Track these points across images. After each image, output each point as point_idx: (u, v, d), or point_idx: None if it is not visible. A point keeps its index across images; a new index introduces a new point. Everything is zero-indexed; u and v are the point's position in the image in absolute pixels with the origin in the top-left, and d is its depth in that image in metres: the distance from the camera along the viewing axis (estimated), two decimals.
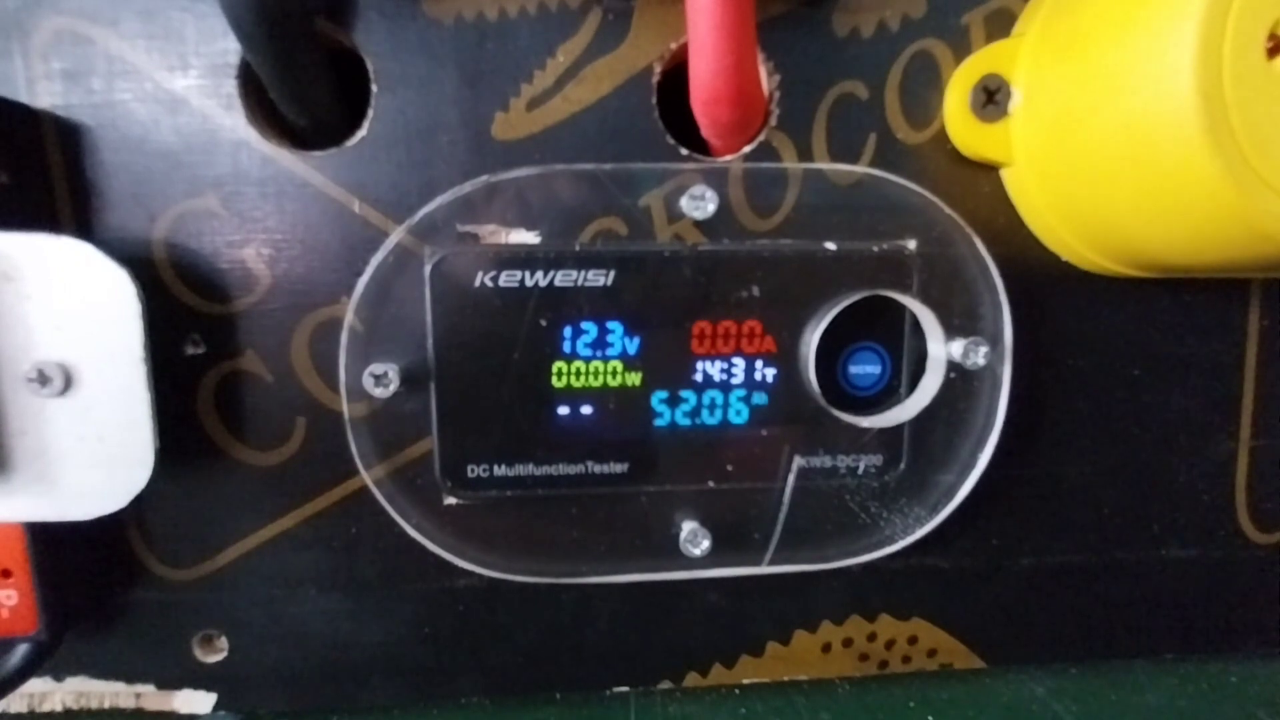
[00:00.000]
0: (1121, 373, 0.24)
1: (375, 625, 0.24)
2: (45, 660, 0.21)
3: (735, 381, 0.22)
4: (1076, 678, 0.27)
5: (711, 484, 0.23)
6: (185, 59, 0.20)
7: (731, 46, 0.18)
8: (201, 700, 0.24)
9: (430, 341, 0.21)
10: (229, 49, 0.20)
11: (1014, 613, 0.26)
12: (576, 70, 0.21)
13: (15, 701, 0.23)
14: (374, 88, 0.21)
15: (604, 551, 0.23)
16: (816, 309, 0.22)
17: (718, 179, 0.22)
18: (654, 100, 0.22)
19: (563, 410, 0.22)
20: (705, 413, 0.22)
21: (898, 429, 0.23)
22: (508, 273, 0.21)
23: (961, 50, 0.22)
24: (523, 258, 0.21)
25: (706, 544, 0.23)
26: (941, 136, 0.22)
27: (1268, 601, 0.27)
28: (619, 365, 0.22)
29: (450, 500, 0.22)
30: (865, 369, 0.23)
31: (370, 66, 0.21)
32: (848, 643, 0.25)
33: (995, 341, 0.22)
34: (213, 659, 0.23)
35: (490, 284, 0.21)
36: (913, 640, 0.26)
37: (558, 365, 0.22)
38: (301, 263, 0.21)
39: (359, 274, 0.21)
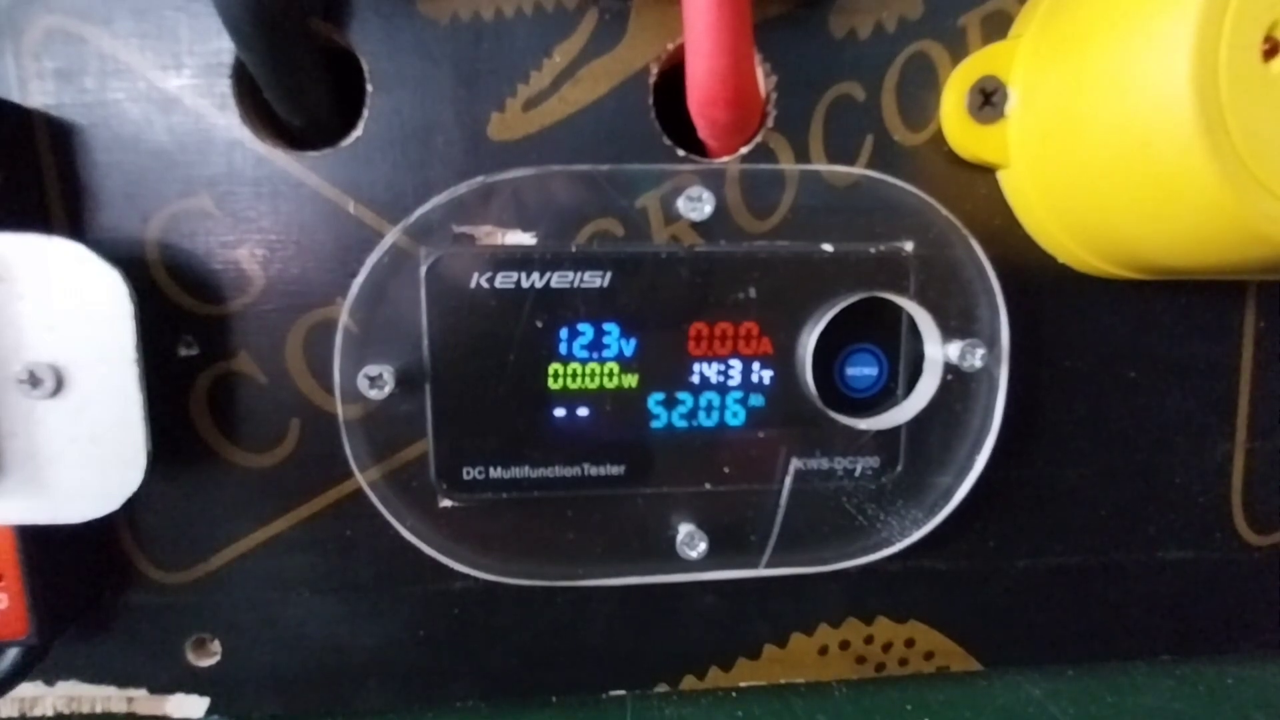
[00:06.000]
0: (1118, 374, 0.24)
1: (370, 628, 0.24)
2: (36, 664, 0.21)
3: (732, 383, 0.22)
4: (1073, 680, 0.26)
5: (708, 486, 0.23)
6: (179, 58, 0.20)
7: (729, 47, 0.18)
8: (195, 705, 0.23)
9: (425, 343, 0.21)
10: (223, 48, 0.20)
11: (1011, 615, 0.26)
12: (573, 71, 0.21)
13: (6, 706, 0.23)
14: (369, 88, 0.21)
15: (600, 554, 0.23)
16: (813, 310, 0.22)
17: (714, 180, 0.22)
18: (650, 101, 0.22)
19: (559, 412, 0.22)
20: (702, 415, 0.22)
21: (895, 431, 0.23)
22: (504, 274, 0.21)
23: (958, 52, 0.22)
24: (519, 259, 0.21)
25: (703, 546, 0.23)
26: (938, 138, 0.22)
27: (1264, 603, 0.27)
28: (615, 367, 0.22)
29: (445, 503, 0.22)
30: (862, 371, 0.23)
31: (365, 66, 0.21)
32: (844, 645, 0.25)
33: (992, 343, 0.22)
34: (206, 663, 0.23)
35: (486, 285, 0.21)
36: (909, 643, 0.26)
37: (554, 367, 0.21)
38: (296, 263, 0.21)
39: (354, 275, 0.21)
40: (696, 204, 0.21)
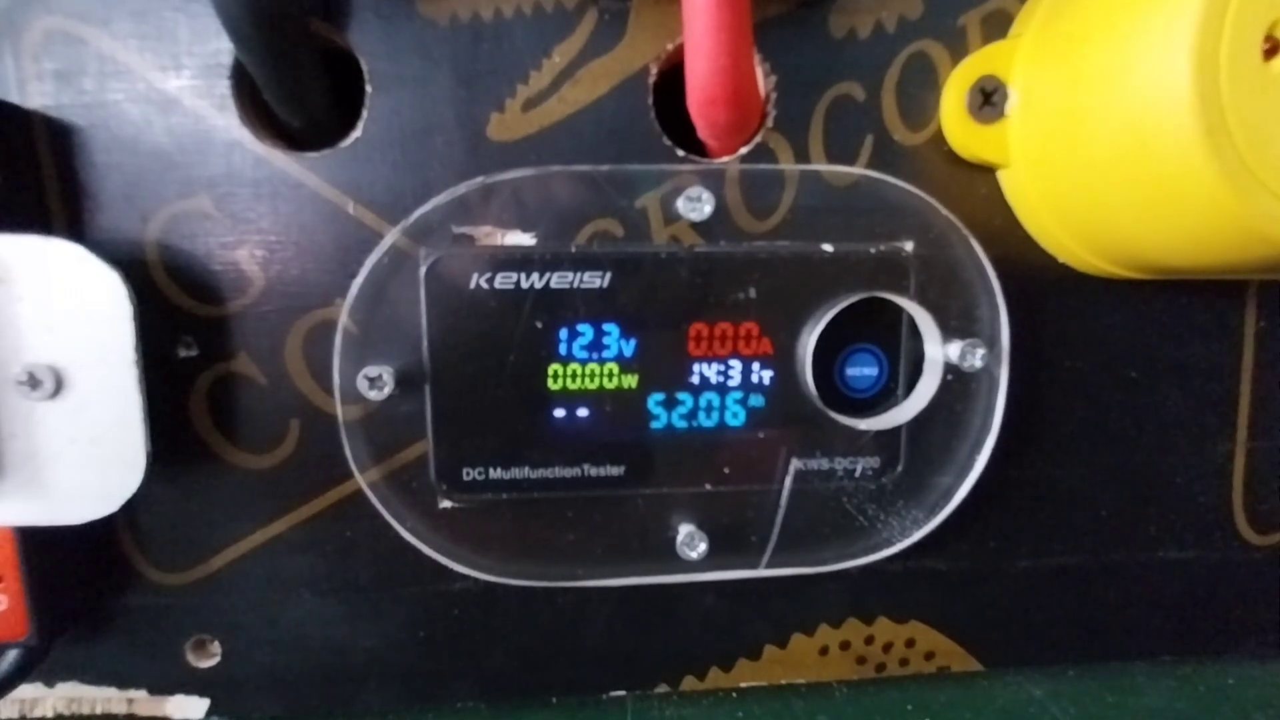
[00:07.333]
0: (1118, 374, 0.24)
1: (370, 629, 0.23)
2: (36, 666, 0.21)
3: (732, 384, 0.22)
4: (1074, 680, 0.26)
5: (708, 487, 0.23)
6: (178, 59, 0.20)
7: (728, 47, 0.18)
8: (195, 706, 0.23)
9: (425, 344, 0.21)
10: (222, 49, 0.20)
11: (1012, 615, 0.26)
12: (572, 71, 0.21)
13: (6, 707, 0.23)
14: (369, 88, 0.21)
15: (600, 555, 0.23)
16: (813, 311, 0.22)
17: (714, 180, 0.22)
18: (650, 101, 0.22)
19: (558, 413, 0.22)
20: (702, 415, 0.22)
21: (895, 431, 0.23)
22: (503, 274, 0.21)
23: (958, 51, 0.22)
24: (518, 259, 0.21)
25: (703, 547, 0.23)
26: (938, 138, 0.22)
27: (1265, 603, 0.27)
28: (615, 367, 0.22)
29: (445, 503, 0.22)
30: (862, 371, 0.23)
31: (365, 67, 0.21)
32: (845, 646, 0.25)
33: (992, 343, 0.22)
34: (206, 664, 0.23)
35: (486, 286, 0.21)
36: (910, 643, 0.26)
37: (553, 367, 0.21)
38: (295, 264, 0.21)
39: (353, 276, 0.21)
40: (696, 204, 0.21)
